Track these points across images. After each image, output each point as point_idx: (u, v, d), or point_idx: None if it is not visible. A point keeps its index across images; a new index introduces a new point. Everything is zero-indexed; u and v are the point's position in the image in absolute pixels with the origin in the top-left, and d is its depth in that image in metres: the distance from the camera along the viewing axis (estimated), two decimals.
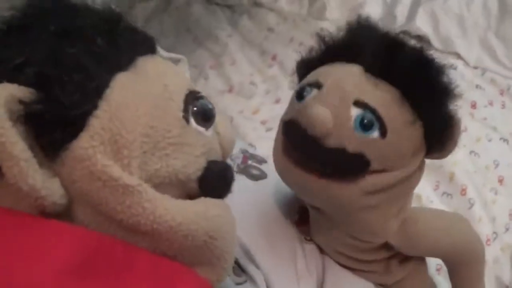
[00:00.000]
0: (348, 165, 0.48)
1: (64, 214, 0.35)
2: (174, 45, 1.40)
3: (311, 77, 0.54)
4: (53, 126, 0.34)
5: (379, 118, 0.47)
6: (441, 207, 0.93)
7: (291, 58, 1.39)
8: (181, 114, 0.39)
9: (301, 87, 0.53)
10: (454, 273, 0.62)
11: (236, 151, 0.77)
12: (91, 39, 0.37)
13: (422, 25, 1.39)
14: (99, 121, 0.35)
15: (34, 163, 0.32)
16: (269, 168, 0.75)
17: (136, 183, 0.34)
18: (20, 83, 0.33)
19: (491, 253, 0.86)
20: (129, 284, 0.33)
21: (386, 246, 0.58)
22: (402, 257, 0.61)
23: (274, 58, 1.40)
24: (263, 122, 1.15)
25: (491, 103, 1.23)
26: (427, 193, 0.96)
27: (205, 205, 0.40)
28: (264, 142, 0.99)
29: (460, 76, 1.25)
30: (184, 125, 0.39)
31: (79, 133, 0.34)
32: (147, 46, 0.42)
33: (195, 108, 0.41)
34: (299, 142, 0.50)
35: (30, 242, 0.32)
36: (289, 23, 1.51)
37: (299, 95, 0.52)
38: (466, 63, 1.34)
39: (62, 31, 0.36)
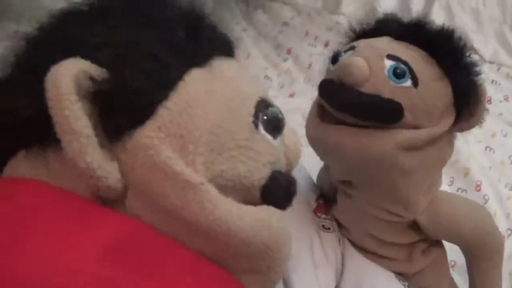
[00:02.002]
0: (384, 109, 0.51)
1: (118, 201, 0.34)
2: None
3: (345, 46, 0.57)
4: (121, 109, 0.33)
5: (410, 70, 0.51)
6: None
7: (306, 52, 1.41)
8: (251, 119, 0.38)
9: (336, 52, 0.55)
10: (472, 263, 0.62)
11: None
12: (172, 31, 0.37)
13: (438, 19, 1.38)
14: (169, 113, 0.34)
15: (94, 141, 0.31)
16: None
17: (198, 181, 0.33)
18: (94, 62, 0.33)
19: (505, 248, 0.85)
20: (166, 278, 0.32)
21: (414, 227, 0.59)
22: (424, 247, 0.62)
23: (289, 52, 1.40)
24: None
25: (506, 98, 1.23)
26: (442, 188, 0.95)
27: (269, 214, 0.38)
28: None
29: None
30: (253, 130, 0.38)
31: (146, 121, 0.34)
32: (226, 48, 0.42)
33: (265, 117, 0.40)
34: (335, 93, 0.52)
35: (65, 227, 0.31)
36: (304, 17, 1.51)
37: (334, 60, 0.55)
38: (482, 58, 1.33)
39: (144, 19, 0.36)
